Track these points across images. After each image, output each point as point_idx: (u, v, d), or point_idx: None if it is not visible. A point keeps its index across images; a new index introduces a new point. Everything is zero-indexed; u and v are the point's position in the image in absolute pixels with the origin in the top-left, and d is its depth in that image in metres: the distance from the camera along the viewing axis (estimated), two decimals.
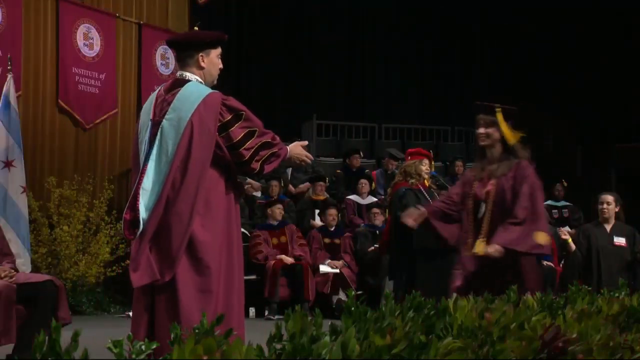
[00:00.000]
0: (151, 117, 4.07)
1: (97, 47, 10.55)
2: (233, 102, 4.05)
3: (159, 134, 3.99)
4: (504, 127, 5.09)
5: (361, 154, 12.93)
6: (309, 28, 15.72)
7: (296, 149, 4.29)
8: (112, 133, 10.75)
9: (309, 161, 4.42)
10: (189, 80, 4.11)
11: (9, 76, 8.39)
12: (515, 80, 15.46)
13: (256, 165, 4.05)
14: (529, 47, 15.61)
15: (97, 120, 10.51)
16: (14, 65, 8.71)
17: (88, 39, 10.44)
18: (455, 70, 16.06)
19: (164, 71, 11.44)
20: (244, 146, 4.00)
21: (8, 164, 8.21)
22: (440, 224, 5.24)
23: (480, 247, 4.96)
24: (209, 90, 4.06)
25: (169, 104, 4.03)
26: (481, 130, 5.10)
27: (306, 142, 4.44)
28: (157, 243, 3.91)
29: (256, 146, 4.03)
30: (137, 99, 11.07)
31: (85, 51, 10.40)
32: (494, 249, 4.85)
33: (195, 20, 11.40)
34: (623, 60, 14.57)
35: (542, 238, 4.88)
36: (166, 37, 11.33)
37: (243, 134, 4.00)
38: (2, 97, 8.24)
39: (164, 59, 11.44)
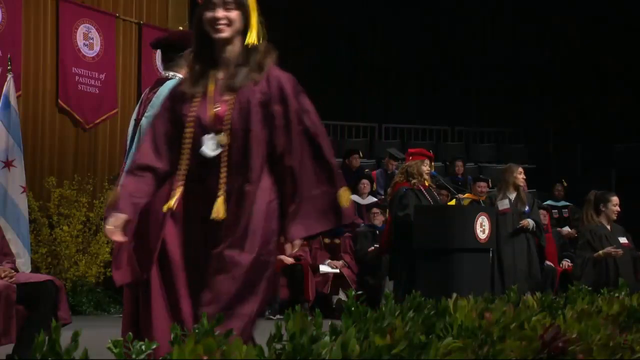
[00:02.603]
0: (135, 117, 4.16)
1: (97, 47, 10.55)
2: None
3: (137, 131, 4.06)
4: (254, 15, 3.40)
5: (361, 154, 12.93)
6: (309, 28, 15.72)
7: None
8: (112, 133, 10.75)
9: None
10: (170, 79, 4.14)
11: (9, 76, 8.39)
12: (516, 81, 15.47)
13: None
14: (530, 47, 15.61)
15: (97, 120, 10.51)
16: (14, 65, 8.71)
17: (88, 39, 10.45)
18: (456, 70, 16.06)
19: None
20: None
21: (8, 164, 8.21)
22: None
23: (220, 210, 3.22)
24: None
25: (150, 101, 4.08)
26: (220, 13, 3.26)
27: None
28: (137, 241, 3.90)
29: None
30: (137, 99, 11.05)
31: (85, 51, 10.41)
32: (297, 247, 3.34)
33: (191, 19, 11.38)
34: (623, 60, 14.57)
35: (345, 198, 3.32)
36: None
37: None
38: (2, 97, 8.24)
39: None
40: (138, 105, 4.21)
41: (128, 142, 4.14)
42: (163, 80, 4.17)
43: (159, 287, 3.82)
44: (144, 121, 4.05)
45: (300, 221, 3.26)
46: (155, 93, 4.09)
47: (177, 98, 3.33)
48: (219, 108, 3.22)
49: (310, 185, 3.27)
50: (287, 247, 3.28)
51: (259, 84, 3.25)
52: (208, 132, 3.23)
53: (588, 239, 8.12)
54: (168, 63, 4.24)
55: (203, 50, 3.31)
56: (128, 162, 4.01)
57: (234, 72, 3.26)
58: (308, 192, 3.26)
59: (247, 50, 3.28)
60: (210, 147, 3.24)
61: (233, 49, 3.28)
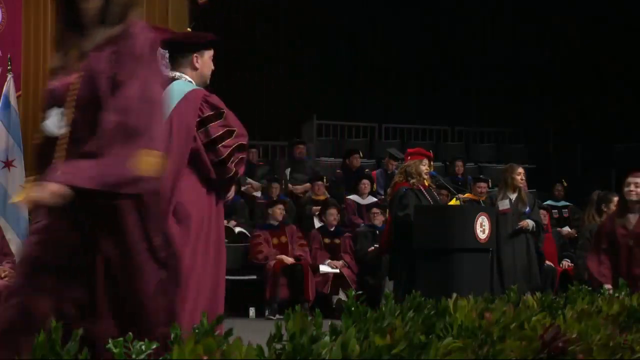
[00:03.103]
0: None
1: None
2: (215, 99, 4.07)
3: None
4: None
5: (361, 154, 12.93)
6: (309, 28, 15.72)
7: None
8: None
9: None
10: (176, 79, 4.13)
11: (9, 76, 8.38)
12: (516, 81, 15.46)
13: (232, 167, 4.04)
14: (530, 47, 15.61)
15: None
16: (14, 65, 8.71)
17: None
18: (456, 70, 16.06)
19: (164, 71, 11.43)
20: (222, 143, 3.99)
21: (8, 164, 8.20)
22: None
23: (24, 194, 2.69)
24: (192, 87, 4.08)
25: None
26: None
27: None
28: None
29: (233, 146, 4.03)
30: None
31: None
32: (41, 192, 2.54)
33: (194, 20, 11.41)
34: (623, 60, 14.57)
35: (146, 162, 2.59)
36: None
37: (222, 131, 4.00)
38: (2, 97, 8.24)
39: (164, 59, 11.44)
40: None
41: None
42: (170, 80, 4.14)
43: None
44: None
45: (68, 169, 2.60)
46: None
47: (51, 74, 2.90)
48: (69, 78, 2.78)
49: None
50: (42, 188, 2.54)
51: (111, 44, 2.72)
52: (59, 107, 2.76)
53: (588, 238, 8.14)
54: (173, 63, 4.24)
55: (67, 14, 2.83)
56: None
57: (92, 33, 2.76)
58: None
59: (106, 5, 2.75)
60: (53, 122, 2.76)
61: (92, 6, 2.76)
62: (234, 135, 4.04)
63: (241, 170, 4.15)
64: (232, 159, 4.02)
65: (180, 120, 3.95)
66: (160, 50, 3.50)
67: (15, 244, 7.72)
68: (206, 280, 3.97)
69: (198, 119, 3.97)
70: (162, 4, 11.55)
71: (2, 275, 5.40)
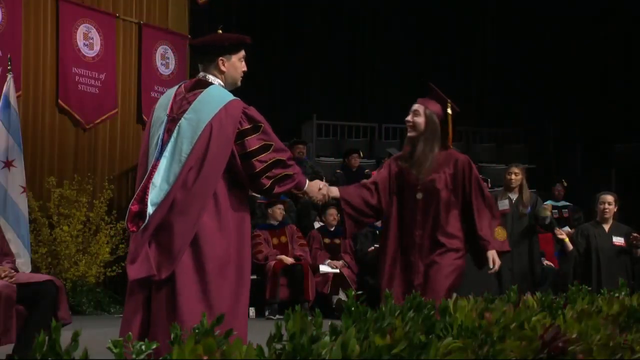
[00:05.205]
0: (168, 112, 4.03)
1: (97, 47, 10.55)
2: (254, 112, 4.02)
3: (175, 131, 3.95)
4: None
5: (361, 154, 12.94)
6: (309, 28, 15.72)
7: (315, 187, 4.43)
8: (112, 133, 10.75)
9: (324, 200, 4.73)
10: (211, 83, 4.09)
11: (9, 76, 8.38)
12: (515, 81, 15.47)
13: (267, 182, 4.00)
14: (530, 47, 15.62)
15: (97, 120, 10.51)
16: (14, 65, 8.70)
17: (88, 39, 10.44)
18: (455, 70, 16.07)
19: (164, 71, 11.43)
20: (257, 157, 3.95)
21: (8, 164, 8.20)
22: None
23: None
24: (231, 97, 4.03)
25: (189, 103, 4.00)
26: None
27: (325, 185, 4.61)
28: (157, 239, 3.88)
29: (270, 161, 3.99)
30: (137, 99, 11.07)
31: (85, 51, 10.40)
32: None
33: (200, 21, 11.42)
34: (623, 60, 14.57)
35: None
36: (166, 37, 11.42)
37: (258, 145, 3.96)
38: (2, 97, 8.23)
39: (164, 59, 11.44)
40: (170, 100, 4.06)
41: (160, 140, 3.98)
42: (203, 82, 4.10)
43: (190, 286, 3.85)
44: (183, 122, 3.95)
45: None
46: (196, 95, 4.01)
47: None
48: None
49: None
50: None
51: None
52: None
53: (574, 237, 8.25)
54: (201, 65, 4.20)
55: None
56: (164, 162, 3.93)
57: None
58: None
59: None
60: None
61: None
62: (271, 149, 4.01)
63: (282, 188, 4.09)
64: (267, 173, 3.99)
65: (221, 129, 3.92)
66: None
67: (15, 244, 7.72)
68: (243, 277, 4.01)
69: (236, 131, 3.95)
70: (162, 4, 11.55)
71: (2, 275, 5.40)
